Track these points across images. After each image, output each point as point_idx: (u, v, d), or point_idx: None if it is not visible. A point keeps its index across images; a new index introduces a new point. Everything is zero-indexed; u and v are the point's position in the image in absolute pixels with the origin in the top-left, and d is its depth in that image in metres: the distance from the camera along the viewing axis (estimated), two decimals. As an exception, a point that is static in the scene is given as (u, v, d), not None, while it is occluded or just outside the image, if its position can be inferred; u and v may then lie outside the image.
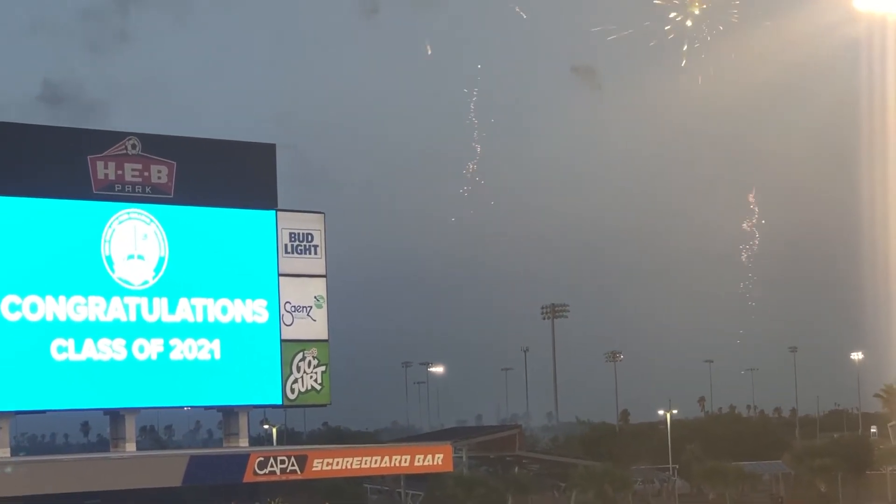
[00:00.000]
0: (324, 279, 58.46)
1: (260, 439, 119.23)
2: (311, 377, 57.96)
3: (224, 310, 56.19)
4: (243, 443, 57.39)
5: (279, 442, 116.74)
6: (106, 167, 53.49)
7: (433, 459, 56.81)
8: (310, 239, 58.06)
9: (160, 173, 54.66)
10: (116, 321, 53.61)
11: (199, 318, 55.65)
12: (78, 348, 52.74)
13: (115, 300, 53.65)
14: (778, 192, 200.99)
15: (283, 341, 57.40)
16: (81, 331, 52.83)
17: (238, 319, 56.47)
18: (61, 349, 52.47)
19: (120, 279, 53.78)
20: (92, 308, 53.14)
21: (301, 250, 57.81)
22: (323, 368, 58.26)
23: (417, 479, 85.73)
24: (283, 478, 51.81)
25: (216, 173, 56.10)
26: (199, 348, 55.64)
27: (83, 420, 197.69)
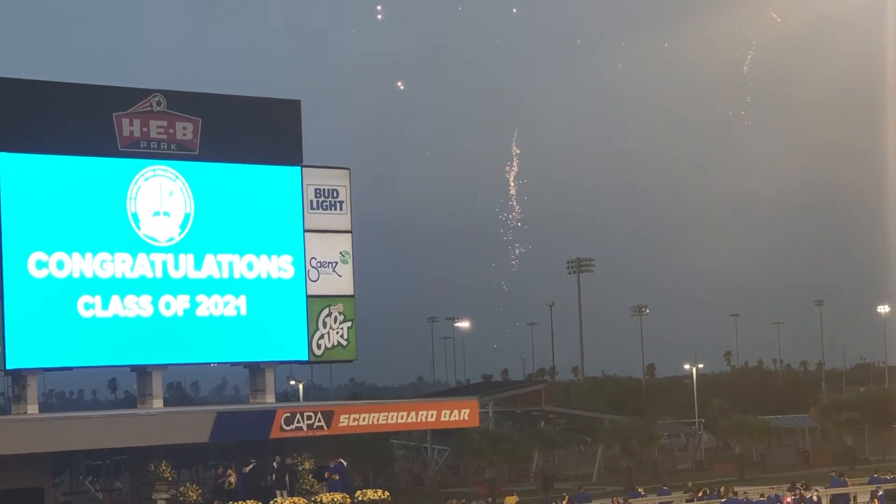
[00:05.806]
0: (349, 235, 58.38)
1: (286, 395, 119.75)
2: (338, 333, 57.99)
3: (250, 266, 56.20)
4: (270, 399, 57.47)
5: (305, 398, 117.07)
6: (131, 124, 53.42)
7: (459, 414, 56.80)
8: (335, 195, 57.95)
9: (185, 130, 54.60)
10: (143, 278, 53.67)
11: (225, 275, 55.68)
12: (105, 305, 52.85)
13: (142, 257, 53.70)
14: (802, 143, 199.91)
15: (308, 297, 57.38)
16: (108, 287, 52.89)
17: (264, 275, 56.48)
18: (88, 306, 52.57)
19: (146, 236, 53.81)
20: (118, 265, 53.19)
21: (326, 206, 57.71)
22: (349, 324, 58.28)
23: (444, 435, 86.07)
24: (310, 433, 51.90)
25: (241, 130, 55.96)
26: (226, 304, 55.68)
27: (111, 377, 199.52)
